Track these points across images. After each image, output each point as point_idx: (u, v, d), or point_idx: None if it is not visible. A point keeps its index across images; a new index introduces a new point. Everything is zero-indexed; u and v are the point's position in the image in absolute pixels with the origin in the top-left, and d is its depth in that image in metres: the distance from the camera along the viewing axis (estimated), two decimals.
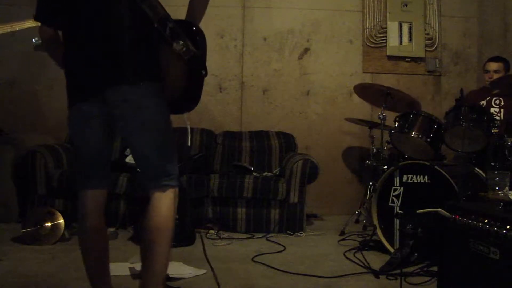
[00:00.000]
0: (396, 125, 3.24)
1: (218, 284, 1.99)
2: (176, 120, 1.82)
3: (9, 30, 2.40)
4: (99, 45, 1.61)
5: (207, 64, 1.67)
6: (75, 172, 1.76)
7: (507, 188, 2.27)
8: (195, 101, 1.71)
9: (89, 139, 1.71)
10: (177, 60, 1.60)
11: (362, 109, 4.48)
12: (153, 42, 1.64)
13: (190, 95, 1.70)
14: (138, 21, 1.59)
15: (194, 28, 1.65)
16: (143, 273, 1.70)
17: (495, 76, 3.53)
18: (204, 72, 1.64)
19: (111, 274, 1.85)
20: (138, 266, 2.45)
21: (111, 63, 1.61)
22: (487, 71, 3.62)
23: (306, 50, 4.59)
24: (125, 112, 1.63)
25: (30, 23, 2.42)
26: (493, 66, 3.59)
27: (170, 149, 1.73)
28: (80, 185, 1.75)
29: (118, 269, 2.41)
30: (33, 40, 1.77)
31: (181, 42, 1.54)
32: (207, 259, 2.01)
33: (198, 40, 1.62)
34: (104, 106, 1.64)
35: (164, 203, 1.67)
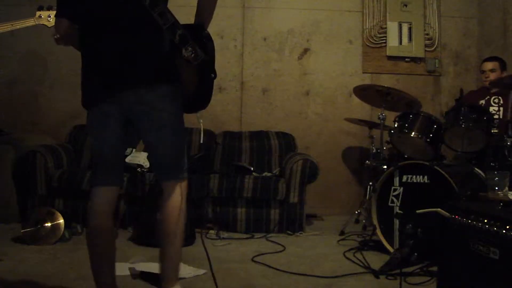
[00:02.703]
0: (396, 125, 3.24)
1: (216, 285, 2.00)
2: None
3: (10, 29, 2.40)
4: (117, 49, 1.69)
5: None
6: (91, 170, 1.84)
7: (507, 188, 2.27)
8: (206, 102, 1.82)
9: (106, 138, 1.78)
10: (187, 65, 1.69)
11: (362, 109, 4.48)
12: (167, 47, 1.71)
13: (201, 96, 1.80)
14: (150, 26, 1.66)
15: (202, 33, 1.74)
16: (162, 259, 1.82)
17: (492, 75, 3.54)
18: (213, 75, 1.75)
19: None
20: (138, 266, 2.45)
21: (128, 66, 1.69)
22: (483, 71, 3.64)
23: (306, 50, 4.59)
24: (142, 113, 1.73)
25: (31, 22, 2.42)
26: (489, 65, 3.60)
27: (182, 146, 1.86)
28: (94, 182, 1.83)
29: (118, 269, 2.38)
30: (55, 37, 1.84)
31: (190, 48, 1.64)
32: (208, 259, 2.01)
33: (206, 45, 1.72)
34: (122, 107, 1.72)
35: (177, 193, 1.81)
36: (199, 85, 1.77)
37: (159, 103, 1.72)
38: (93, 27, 1.72)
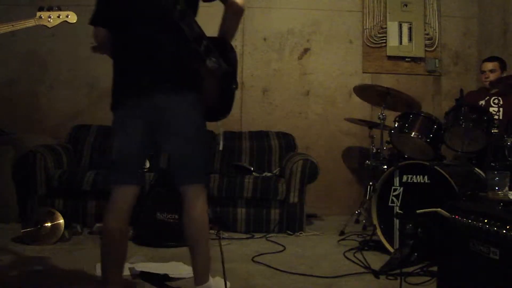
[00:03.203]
0: (396, 125, 3.24)
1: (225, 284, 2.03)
2: None
3: (10, 29, 2.40)
4: (146, 57, 1.78)
5: None
6: (109, 169, 1.94)
7: (507, 188, 2.27)
8: (227, 111, 1.92)
9: (130, 138, 1.84)
10: (210, 75, 1.78)
11: (362, 109, 4.48)
12: (193, 57, 1.78)
13: (223, 105, 1.90)
14: (178, 36, 1.74)
15: (226, 46, 1.85)
16: (193, 257, 1.94)
17: (492, 75, 3.54)
18: (235, 86, 1.85)
19: None
20: (138, 266, 2.45)
21: (155, 73, 1.78)
22: (483, 72, 3.64)
23: (306, 50, 4.59)
24: (164, 118, 1.80)
25: (32, 23, 2.42)
26: (489, 66, 3.60)
27: (203, 151, 1.94)
28: (114, 181, 1.87)
29: None
30: (92, 45, 1.97)
31: (214, 59, 1.73)
32: (222, 261, 2.05)
33: (229, 57, 1.82)
34: (147, 110, 1.79)
35: (199, 196, 1.88)
36: (221, 95, 1.86)
37: (182, 108, 1.80)
38: (124, 35, 1.82)
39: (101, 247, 1.85)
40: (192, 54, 1.77)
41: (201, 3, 1.91)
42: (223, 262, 2.00)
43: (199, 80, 1.83)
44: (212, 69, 1.74)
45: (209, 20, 1.94)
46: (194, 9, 1.86)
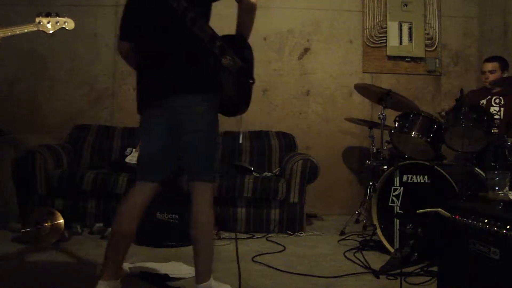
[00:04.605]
0: (396, 125, 3.24)
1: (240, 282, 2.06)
2: None
3: (9, 34, 2.41)
4: (164, 62, 1.94)
5: None
6: (137, 167, 2.10)
7: (507, 188, 2.26)
8: (246, 105, 2.01)
9: (154, 139, 2.00)
10: (227, 72, 1.87)
11: (362, 109, 4.49)
12: (207, 59, 1.90)
13: (241, 100, 1.99)
14: (192, 41, 1.87)
15: (241, 43, 1.95)
16: (196, 254, 2.00)
17: (491, 76, 3.53)
18: (251, 81, 1.91)
19: None
20: (138, 266, 2.45)
21: (174, 77, 1.92)
22: (483, 72, 3.63)
23: (306, 50, 4.59)
24: (181, 117, 1.93)
25: (31, 27, 2.43)
26: (488, 66, 3.59)
27: (213, 151, 2.08)
28: (137, 177, 2.03)
29: None
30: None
31: (228, 57, 1.82)
32: (237, 256, 2.11)
33: (245, 53, 1.92)
34: (167, 112, 1.94)
35: (206, 193, 1.99)
36: (238, 90, 1.95)
37: (199, 109, 1.92)
38: (143, 46, 2.00)
39: (109, 238, 1.98)
40: (207, 55, 1.88)
41: (214, 4, 2.02)
42: (238, 262, 2.09)
43: (215, 80, 1.94)
44: (228, 67, 1.83)
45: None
46: (205, 12, 1.97)
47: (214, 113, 1.99)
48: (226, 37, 1.92)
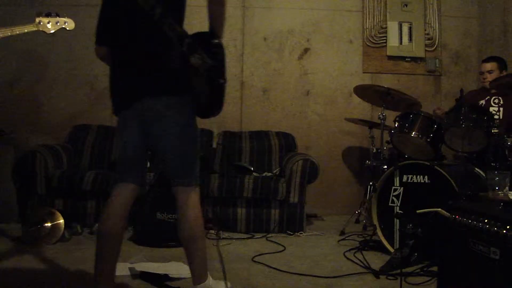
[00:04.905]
0: (396, 125, 3.24)
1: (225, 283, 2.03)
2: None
3: (9, 34, 2.40)
4: (131, 64, 1.87)
5: None
6: (116, 169, 2.06)
7: (507, 188, 2.27)
8: (219, 107, 1.90)
9: (128, 140, 1.95)
10: (197, 72, 1.79)
11: (362, 109, 4.48)
12: (174, 59, 1.82)
13: (213, 101, 1.88)
14: (159, 40, 1.80)
15: (211, 41, 1.84)
16: (189, 258, 1.95)
17: (489, 76, 3.53)
18: (222, 81, 1.82)
19: None
20: (138, 266, 2.45)
21: (137, 78, 1.86)
22: (481, 73, 3.63)
23: (306, 50, 4.59)
24: (150, 120, 1.87)
25: (31, 28, 2.43)
26: (486, 67, 3.59)
27: (192, 154, 1.96)
28: (115, 179, 1.98)
29: (118, 269, 2.39)
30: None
31: (197, 55, 1.74)
32: (221, 260, 2.07)
33: (215, 52, 1.81)
34: (139, 113, 1.89)
35: (189, 198, 1.92)
36: (210, 91, 1.84)
37: (167, 112, 1.85)
38: (115, 47, 1.94)
39: (96, 244, 1.88)
40: (174, 55, 1.81)
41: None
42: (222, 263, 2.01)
43: (185, 80, 1.85)
44: (196, 66, 1.75)
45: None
46: (177, 9, 1.88)
47: (187, 114, 1.91)
48: (197, 35, 1.83)
